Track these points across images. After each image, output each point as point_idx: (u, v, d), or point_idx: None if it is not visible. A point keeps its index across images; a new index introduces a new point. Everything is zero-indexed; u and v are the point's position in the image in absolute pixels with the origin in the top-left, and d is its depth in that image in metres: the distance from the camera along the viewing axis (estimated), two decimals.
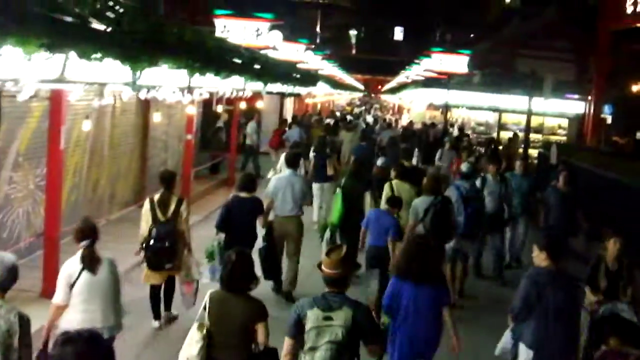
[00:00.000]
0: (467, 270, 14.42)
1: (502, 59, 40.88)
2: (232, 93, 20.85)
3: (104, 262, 8.30)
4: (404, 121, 50.44)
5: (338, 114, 52.72)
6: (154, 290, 11.67)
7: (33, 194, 13.70)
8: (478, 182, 15.15)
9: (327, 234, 14.15)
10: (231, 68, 15.30)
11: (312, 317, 6.54)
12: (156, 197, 11.42)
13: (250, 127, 28.49)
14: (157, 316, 11.73)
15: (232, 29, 25.87)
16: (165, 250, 11.08)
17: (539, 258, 8.46)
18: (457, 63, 37.96)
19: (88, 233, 8.32)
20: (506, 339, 8.84)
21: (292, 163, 14.14)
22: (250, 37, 26.00)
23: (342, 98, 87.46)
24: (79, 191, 16.21)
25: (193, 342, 7.11)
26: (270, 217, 13.39)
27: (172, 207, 11.26)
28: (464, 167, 14.76)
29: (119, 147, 18.47)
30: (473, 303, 14.01)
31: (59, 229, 12.28)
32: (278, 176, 14.08)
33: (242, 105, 23.80)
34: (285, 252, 13.49)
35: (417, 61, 45.56)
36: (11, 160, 13.12)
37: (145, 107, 19.55)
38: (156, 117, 18.61)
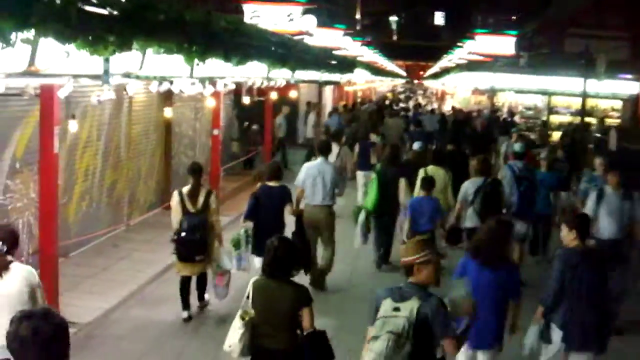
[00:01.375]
0: (524, 252, 14.28)
1: (550, 39, 39.21)
2: (262, 83, 19.43)
3: (18, 273, 7.24)
4: (448, 107, 48.84)
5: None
6: (184, 281, 11.74)
7: (34, 203, 12.18)
8: (593, 198, 12.11)
9: (362, 216, 14.32)
10: (245, 52, 13.56)
11: (384, 307, 6.37)
12: (185, 189, 11.55)
13: (279, 119, 27.75)
14: (185, 306, 11.75)
15: (263, 14, 24.27)
16: (196, 242, 11.24)
17: (568, 238, 8.46)
18: (503, 45, 36.16)
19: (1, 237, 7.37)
20: (533, 335, 8.56)
21: (323, 151, 13.89)
22: (283, 22, 24.37)
23: (383, 85, 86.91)
24: (91, 196, 14.89)
25: (236, 329, 7.18)
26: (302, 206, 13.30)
27: (202, 198, 11.40)
28: (517, 146, 15.10)
29: (138, 146, 17.12)
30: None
31: (55, 244, 10.83)
32: (309, 164, 13.84)
33: (274, 95, 22.21)
34: (320, 241, 13.50)
35: (460, 44, 43.83)
36: (6, 166, 11.74)
37: (167, 101, 18.06)
38: (174, 112, 17.38)
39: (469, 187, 13.15)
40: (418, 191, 13.81)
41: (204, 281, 12.02)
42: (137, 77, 10.51)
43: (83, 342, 10.39)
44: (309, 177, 13.30)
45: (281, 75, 19.87)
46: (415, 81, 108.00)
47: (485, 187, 13.01)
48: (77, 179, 14.14)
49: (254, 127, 25.73)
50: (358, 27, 56.72)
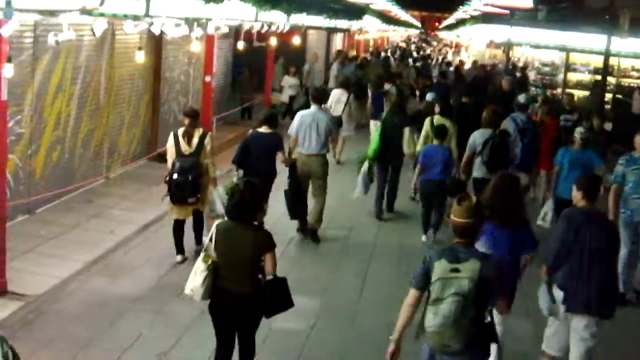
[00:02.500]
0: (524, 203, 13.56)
1: None
2: (262, 27, 18.12)
3: None
4: (463, 60, 47.28)
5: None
6: (178, 224, 11.54)
7: None
8: (621, 165, 11.35)
9: (365, 166, 14.27)
10: None
11: (439, 268, 6.24)
12: (180, 130, 11.37)
13: (307, 67, 26.93)
14: (179, 251, 11.56)
15: None
16: (187, 184, 10.98)
17: (576, 197, 8.34)
18: None
19: None
20: (544, 296, 8.21)
21: (317, 99, 13.45)
22: None
23: (397, 35, 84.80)
24: (63, 147, 13.63)
25: (198, 272, 7.20)
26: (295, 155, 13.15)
27: (196, 140, 11.21)
28: (521, 98, 15.18)
29: (121, 92, 15.82)
30: None
31: (4, 204, 9.52)
32: (302, 112, 13.34)
33: (273, 41, 20.80)
34: (311, 191, 13.22)
35: None
36: None
37: (157, 43, 16.71)
38: (165, 55, 16.04)
39: (477, 137, 13.09)
40: (423, 141, 14.15)
41: (201, 224, 11.69)
42: (102, 15, 9.21)
43: (26, 320, 9.11)
44: (303, 125, 12.92)
45: (282, 19, 18.60)
46: (430, 32, 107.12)
47: (493, 138, 12.94)
48: (45, 128, 12.83)
49: (244, 72, 24.28)
50: None
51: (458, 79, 27.11)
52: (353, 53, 40.93)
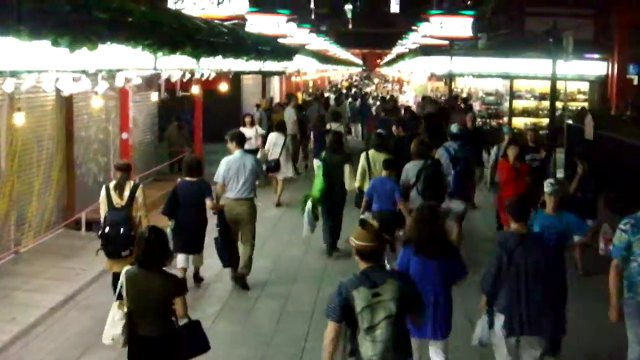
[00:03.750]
0: (462, 231, 14.43)
1: (510, 18, 36.74)
2: (183, 75, 16.73)
3: None
4: (407, 97, 46.16)
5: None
6: (116, 277, 10.41)
7: None
8: (625, 232, 8.60)
9: (309, 205, 14.42)
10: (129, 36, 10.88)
11: (360, 296, 6.31)
12: (112, 183, 11.53)
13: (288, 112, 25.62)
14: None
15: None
16: (120, 237, 10.96)
17: (510, 221, 8.52)
18: (460, 26, 33.41)
19: None
20: (481, 326, 8.38)
21: (239, 142, 13.20)
22: (211, 6, 21.55)
23: (338, 74, 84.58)
24: None
25: (116, 321, 7.38)
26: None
27: (127, 192, 11.32)
28: (453, 127, 15.85)
29: (27, 156, 14.16)
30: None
31: None
32: (228, 157, 13.08)
33: (196, 89, 19.38)
34: (240, 237, 13.05)
35: (414, 28, 41.26)
36: None
37: (67, 100, 15.22)
38: (76, 113, 14.58)
39: (409, 169, 13.45)
40: (360, 177, 14.35)
41: None
42: None
43: None
44: (230, 170, 12.76)
45: (208, 65, 17.28)
46: (374, 70, 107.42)
47: (426, 168, 13.29)
48: None
49: (171, 125, 22.93)
50: (312, 17, 54.70)
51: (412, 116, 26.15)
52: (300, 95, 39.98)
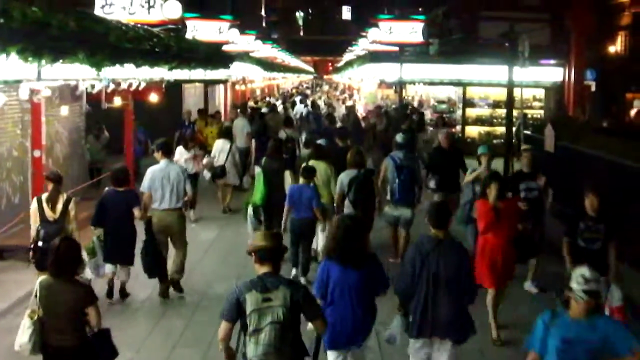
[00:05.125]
0: (409, 236, 14.43)
1: (463, 23, 36.01)
2: (107, 86, 15.20)
3: None
4: (359, 106, 44.69)
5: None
6: None
7: None
8: None
9: (250, 211, 14.65)
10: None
11: (251, 299, 6.57)
12: (44, 195, 11.33)
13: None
14: None
15: (116, 3, 19.81)
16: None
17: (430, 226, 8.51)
18: (410, 31, 32.18)
19: None
20: (394, 326, 8.46)
21: (166, 152, 13.08)
22: (141, 11, 19.96)
23: (288, 82, 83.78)
24: None
25: (25, 329, 7.47)
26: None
27: (60, 206, 11.19)
28: (398, 137, 15.55)
29: None
30: None
31: None
32: (153, 168, 12.96)
33: (118, 100, 17.72)
34: (172, 246, 12.97)
35: (363, 34, 40.06)
36: None
37: None
38: None
39: (343, 178, 13.86)
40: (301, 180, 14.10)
41: None
42: None
43: None
44: (154, 180, 12.65)
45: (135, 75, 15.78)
46: (325, 77, 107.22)
47: (358, 177, 13.75)
48: None
49: (91, 134, 21.14)
50: (264, 24, 53.57)
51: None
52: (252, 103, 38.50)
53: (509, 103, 19.15)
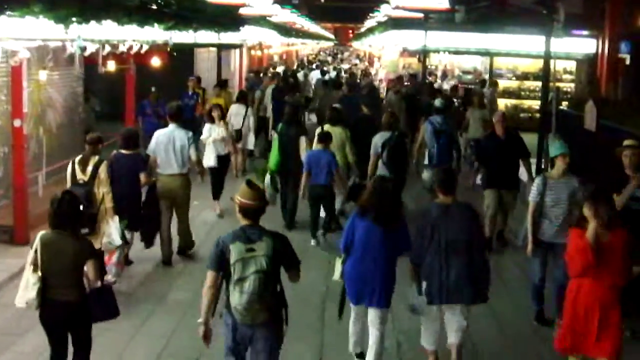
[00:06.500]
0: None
1: None
2: (102, 48, 13.90)
3: None
4: (379, 74, 43.18)
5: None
6: None
7: None
8: None
9: (268, 178, 14.70)
10: None
11: (236, 250, 6.79)
12: (78, 157, 11.06)
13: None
14: None
15: None
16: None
17: (437, 192, 8.64)
18: None
19: None
20: (412, 295, 8.53)
21: (175, 116, 12.95)
22: None
23: (307, 48, 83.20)
24: None
25: (29, 285, 7.39)
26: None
27: (90, 167, 10.82)
28: (437, 102, 16.02)
29: None
30: None
31: None
32: (158, 131, 12.95)
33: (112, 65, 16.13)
34: (175, 213, 13.00)
35: None
36: None
37: None
38: None
39: (377, 140, 14.05)
40: (316, 146, 14.22)
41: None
42: None
43: None
44: (160, 144, 12.55)
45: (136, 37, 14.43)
46: (346, 44, 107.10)
47: (391, 139, 13.91)
48: None
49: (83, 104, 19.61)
50: None
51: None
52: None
53: (546, 76, 17.45)
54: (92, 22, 11.62)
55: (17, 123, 12.58)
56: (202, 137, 15.68)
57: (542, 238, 10.19)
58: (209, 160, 15.66)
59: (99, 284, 7.58)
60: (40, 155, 15.77)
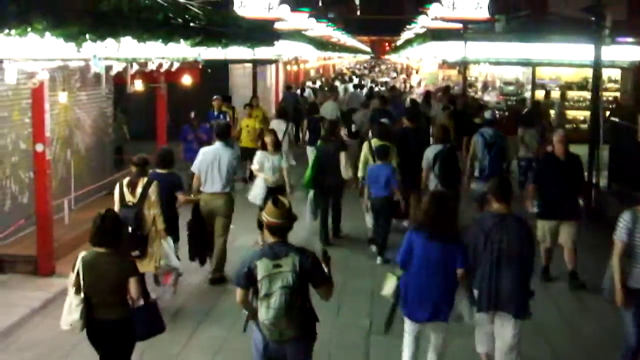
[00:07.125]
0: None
1: None
2: (130, 66, 13.49)
3: None
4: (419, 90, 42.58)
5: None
6: None
7: None
8: None
9: (311, 194, 14.84)
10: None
11: (262, 266, 6.85)
12: (126, 179, 10.97)
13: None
14: None
15: None
16: (129, 237, 10.28)
17: (490, 201, 8.62)
18: (475, 7, 30.16)
19: None
20: (460, 301, 8.35)
21: (220, 135, 12.95)
22: None
23: (344, 62, 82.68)
24: None
25: (73, 307, 7.41)
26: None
27: (139, 189, 10.72)
28: (487, 114, 16.11)
29: None
30: None
31: None
32: (204, 149, 12.92)
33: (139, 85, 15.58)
34: (214, 230, 12.80)
35: (424, 10, 37.95)
36: None
37: None
38: None
39: (429, 153, 14.15)
40: (363, 165, 14.55)
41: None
42: None
43: None
44: (204, 162, 12.54)
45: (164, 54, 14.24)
46: (382, 57, 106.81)
47: (442, 153, 14.01)
48: None
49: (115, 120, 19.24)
50: (320, 4, 51.96)
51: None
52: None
53: (596, 85, 16.73)
54: (110, 40, 10.77)
55: (39, 148, 11.96)
56: (252, 167, 14.88)
57: (634, 286, 8.40)
58: (256, 197, 14.07)
59: (141, 302, 7.57)
60: (68, 180, 15.16)
